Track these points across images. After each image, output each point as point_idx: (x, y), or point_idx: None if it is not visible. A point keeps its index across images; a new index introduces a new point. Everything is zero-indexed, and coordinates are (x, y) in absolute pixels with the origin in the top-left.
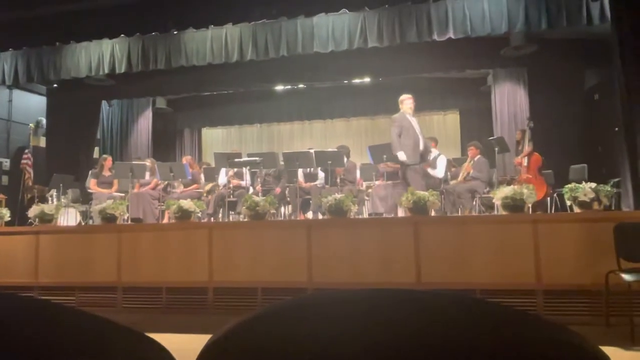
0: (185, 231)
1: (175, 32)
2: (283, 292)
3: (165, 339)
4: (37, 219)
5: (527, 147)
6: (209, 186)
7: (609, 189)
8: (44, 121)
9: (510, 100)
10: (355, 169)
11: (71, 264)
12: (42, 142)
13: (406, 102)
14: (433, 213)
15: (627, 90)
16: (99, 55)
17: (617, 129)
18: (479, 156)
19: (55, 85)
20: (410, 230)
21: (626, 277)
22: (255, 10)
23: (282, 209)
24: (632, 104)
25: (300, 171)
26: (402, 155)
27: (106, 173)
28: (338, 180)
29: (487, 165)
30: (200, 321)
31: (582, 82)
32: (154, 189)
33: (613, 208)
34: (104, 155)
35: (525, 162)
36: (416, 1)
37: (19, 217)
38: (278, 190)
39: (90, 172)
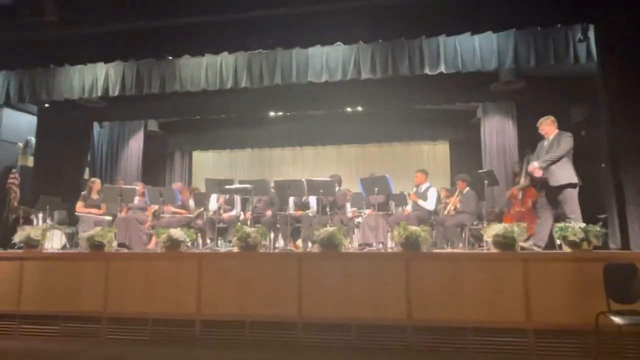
0: (174, 261)
1: (170, 58)
2: (272, 326)
3: None
4: (22, 244)
5: (524, 179)
6: (196, 211)
7: (598, 229)
8: (33, 140)
9: (499, 133)
10: (344, 197)
11: (56, 292)
12: (31, 162)
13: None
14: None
15: (613, 127)
16: (92, 78)
17: (603, 165)
18: (467, 189)
19: (46, 105)
20: (401, 265)
21: (616, 319)
22: (251, 40)
23: (272, 235)
24: (617, 141)
25: (291, 200)
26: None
27: (94, 196)
28: (328, 209)
29: (475, 198)
30: (186, 354)
31: (569, 117)
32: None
33: (600, 244)
34: (92, 178)
35: (520, 195)
36: (409, 37)
37: (3, 238)
38: (269, 212)
39: (81, 194)
